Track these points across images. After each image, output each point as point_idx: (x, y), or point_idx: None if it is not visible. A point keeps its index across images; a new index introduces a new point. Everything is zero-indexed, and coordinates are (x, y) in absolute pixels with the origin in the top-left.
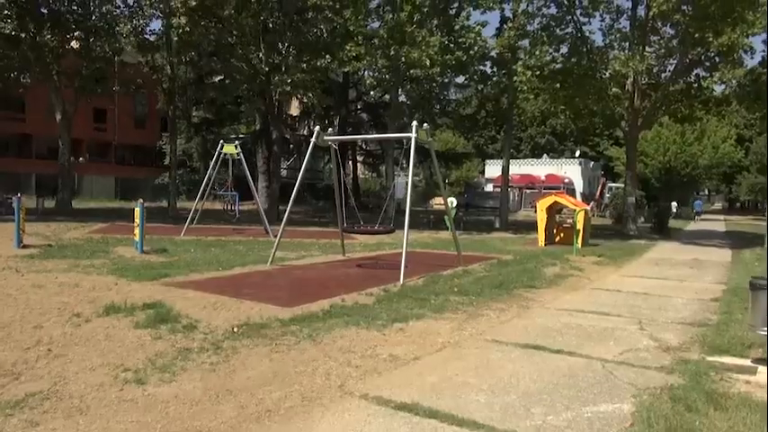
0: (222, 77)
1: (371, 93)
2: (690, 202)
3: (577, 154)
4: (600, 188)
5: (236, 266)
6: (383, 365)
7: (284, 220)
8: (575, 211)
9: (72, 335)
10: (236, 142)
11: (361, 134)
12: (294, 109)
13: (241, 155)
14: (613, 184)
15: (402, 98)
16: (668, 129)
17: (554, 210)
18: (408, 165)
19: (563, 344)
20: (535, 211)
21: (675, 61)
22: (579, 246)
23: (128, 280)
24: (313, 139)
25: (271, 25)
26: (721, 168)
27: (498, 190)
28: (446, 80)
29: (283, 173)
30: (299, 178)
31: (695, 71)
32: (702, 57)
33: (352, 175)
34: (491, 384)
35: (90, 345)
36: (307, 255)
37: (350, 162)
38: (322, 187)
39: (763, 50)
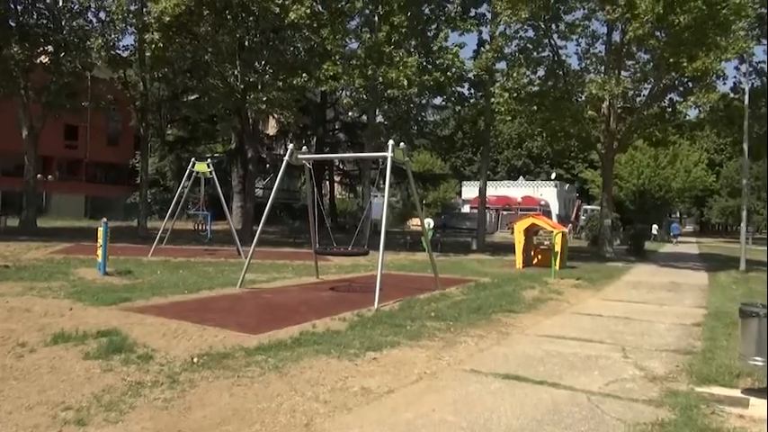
0: (197, 96)
1: (349, 113)
2: (664, 225)
3: (553, 176)
4: (576, 210)
5: (203, 289)
6: (354, 400)
7: (255, 240)
8: (552, 233)
9: (12, 368)
10: (209, 160)
11: (338, 154)
12: (271, 128)
13: (213, 173)
14: (589, 207)
15: (379, 118)
16: (642, 152)
17: (531, 232)
18: (385, 185)
19: (545, 374)
20: (512, 233)
21: (650, 85)
22: (557, 268)
23: (84, 304)
24: (286, 158)
25: (247, 43)
26: (693, 192)
27: (475, 211)
28: (424, 101)
29: (259, 192)
30: (270, 198)
31: (669, 95)
32: (676, 81)
33: (329, 196)
34: (470, 421)
35: (30, 379)
36: (279, 277)
37: (327, 182)
38: (298, 207)
39: (735, 76)
